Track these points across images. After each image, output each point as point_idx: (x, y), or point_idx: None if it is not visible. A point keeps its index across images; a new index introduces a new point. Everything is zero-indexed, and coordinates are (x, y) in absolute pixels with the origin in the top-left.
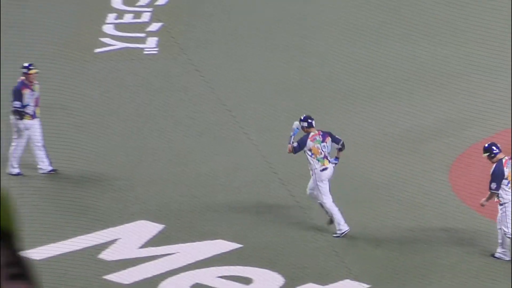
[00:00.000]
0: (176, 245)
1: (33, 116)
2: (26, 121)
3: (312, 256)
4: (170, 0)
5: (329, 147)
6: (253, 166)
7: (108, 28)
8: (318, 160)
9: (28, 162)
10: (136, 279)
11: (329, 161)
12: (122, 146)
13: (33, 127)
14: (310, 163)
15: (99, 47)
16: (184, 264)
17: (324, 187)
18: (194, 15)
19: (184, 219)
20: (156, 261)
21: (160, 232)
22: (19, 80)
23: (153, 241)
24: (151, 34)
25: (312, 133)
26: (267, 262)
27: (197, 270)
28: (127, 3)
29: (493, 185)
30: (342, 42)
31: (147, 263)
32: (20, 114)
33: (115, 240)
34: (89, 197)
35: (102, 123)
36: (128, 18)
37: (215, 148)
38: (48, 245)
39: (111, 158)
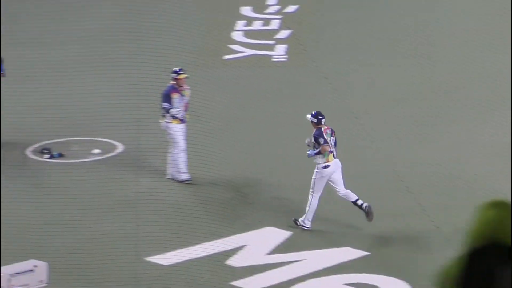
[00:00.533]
0: (304, 252)
1: (182, 121)
2: (174, 125)
3: (439, 264)
4: (299, 8)
5: (335, 143)
6: (380, 174)
7: (237, 35)
8: (324, 155)
9: (158, 167)
10: (263, 286)
11: (334, 157)
12: (250, 153)
13: (180, 132)
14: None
15: (228, 54)
16: (311, 271)
17: (320, 184)
18: (323, 22)
19: (311, 225)
20: (283, 267)
21: (288, 239)
22: (168, 85)
23: (281, 248)
24: (280, 41)
25: (323, 128)
26: (394, 270)
27: (324, 277)
28: (257, 10)
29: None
30: (470, 50)
31: (274, 270)
32: (169, 114)
33: (243, 246)
34: (217, 203)
35: (231, 130)
36: (257, 25)
37: (343, 155)
38: (176, 251)
39: (240, 164)
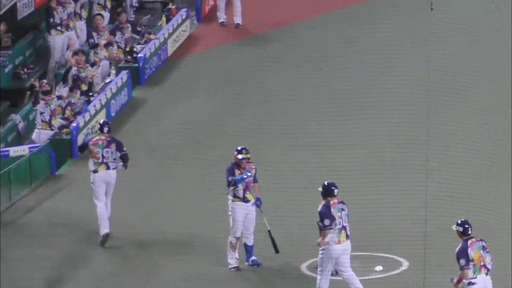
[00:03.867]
0: None
1: None
2: None
3: None
4: None
5: (113, 154)
6: None
7: None
8: (94, 164)
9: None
10: None
11: (108, 168)
12: None
13: None
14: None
15: None
16: None
17: (97, 190)
18: None
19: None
20: None
21: None
22: None
23: None
24: None
25: (96, 138)
26: None
27: None
28: None
29: (462, 262)
30: None
31: None
32: None
33: None
34: None
35: None
36: None
37: None
38: None
39: None
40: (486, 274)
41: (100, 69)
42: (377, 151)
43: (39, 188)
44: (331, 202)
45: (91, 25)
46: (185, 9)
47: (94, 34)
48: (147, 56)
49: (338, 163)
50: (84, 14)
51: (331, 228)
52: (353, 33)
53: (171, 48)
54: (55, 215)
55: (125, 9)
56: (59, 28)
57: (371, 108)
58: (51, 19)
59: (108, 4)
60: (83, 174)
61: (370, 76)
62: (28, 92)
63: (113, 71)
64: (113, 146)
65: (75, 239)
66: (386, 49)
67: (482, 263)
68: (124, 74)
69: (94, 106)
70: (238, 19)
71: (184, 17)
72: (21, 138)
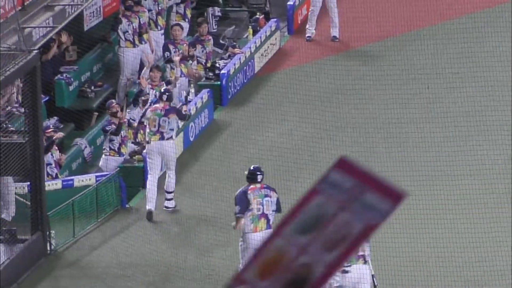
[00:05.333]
0: None
1: None
2: None
3: None
4: None
5: (171, 124)
6: None
7: None
8: (149, 133)
9: None
10: None
11: (162, 138)
12: None
13: None
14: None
15: None
16: None
17: (150, 161)
18: None
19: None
20: None
21: None
22: None
23: None
24: None
25: (157, 105)
26: None
27: None
28: None
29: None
30: None
31: None
32: None
33: None
34: None
35: None
36: None
37: None
38: None
39: None
40: (364, 263)
41: (177, 87)
42: (493, 182)
43: (107, 223)
44: (251, 187)
45: (168, 37)
46: (275, 20)
47: (171, 47)
48: (231, 72)
49: (448, 196)
50: (161, 22)
51: (241, 217)
52: (468, 47)
53: (258, 64)
54: (125, 254)
55: (206, 19)
56: (130, 39)
57: (487, 132)
58: (121, 28)
59: (188, 14)
60: (158, 206)
61: (488, 96)
62: (96, 113)
63: (192, 90)
64: (173, 116)
65: (149, 282)
66: (508, 65)
67: (360, 253)
68: (204, 93)
69: None
70: (335, 31)
71: (273, 28)
72: (86, 165)
